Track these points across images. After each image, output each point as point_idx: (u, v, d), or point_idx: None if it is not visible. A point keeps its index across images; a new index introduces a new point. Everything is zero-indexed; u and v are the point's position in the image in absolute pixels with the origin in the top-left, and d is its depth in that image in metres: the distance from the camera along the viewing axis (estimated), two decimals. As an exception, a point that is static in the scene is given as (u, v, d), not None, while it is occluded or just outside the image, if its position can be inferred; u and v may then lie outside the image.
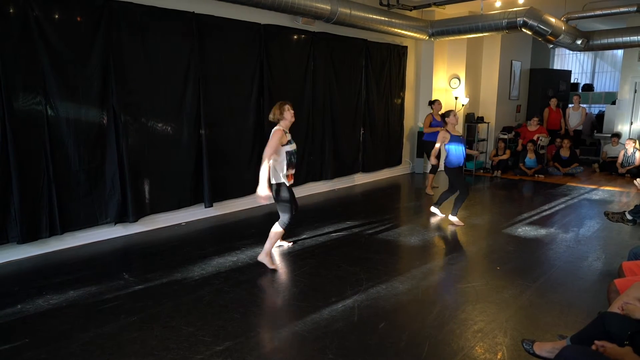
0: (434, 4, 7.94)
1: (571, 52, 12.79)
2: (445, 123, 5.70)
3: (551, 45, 8.72)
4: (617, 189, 7.97)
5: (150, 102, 5.20)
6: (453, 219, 5.70)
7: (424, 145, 8.07)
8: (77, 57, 4.60)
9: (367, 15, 6.91)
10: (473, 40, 9.44)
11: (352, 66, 7.86)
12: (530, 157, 9.21)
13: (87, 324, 3.21)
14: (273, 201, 4.16)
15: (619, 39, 7.94)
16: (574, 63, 14.00)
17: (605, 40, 8.04)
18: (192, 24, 5.45)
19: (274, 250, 4.72)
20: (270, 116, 4.17)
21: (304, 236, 5.17)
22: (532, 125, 9.90)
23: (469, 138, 9.54)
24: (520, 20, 7.08)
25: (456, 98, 9.40)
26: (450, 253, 4.85)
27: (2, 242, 4.34)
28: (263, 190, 3.98)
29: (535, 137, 9.54)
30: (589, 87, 13.36)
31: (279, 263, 4.43)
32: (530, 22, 7.04)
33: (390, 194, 7.98)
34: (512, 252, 4.75)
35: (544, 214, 6.26)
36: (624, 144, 9.20)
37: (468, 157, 8.27)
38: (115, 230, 5.15)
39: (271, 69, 6.43)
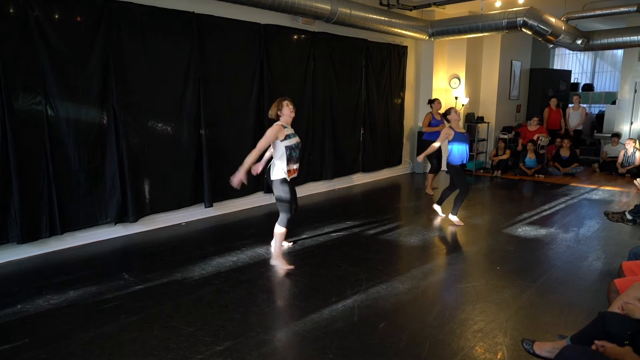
0: (434, 4, 7.94)
1: (571, 52, 12.80)
2: (448, 121, 5.66)
3: (551, 45, 8.72)
4: (617, 188, 7.97)
5: (150, 102, 5.20)
6: (453, 218, 5.69)
7: (424, 145, 8.03)
8: (77, 57, 4.60)
9: (367, 15, 6.91)
10: (473, 40, 9.44)
11: (352, 66, 7.86)
12: (530, 157, 9.21)
13: (87, 324, 3.21)
14: (238, 186, 4.01)
15: (619, 39, 7.94)
16: (574, 63, 14.00)
17: (605, 40, 8.04)
18: (192, 24, 5.45)
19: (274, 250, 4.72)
20: (270, 113, 4.18)
21: (304, 236, 5.17)
22: (532, 125, 9.90)
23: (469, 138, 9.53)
24: (520, 20, 7.08)
25: (456, 98, 9.40)
26: (450, 253, 4.85)
27: (2, 242, 4.34)
28: (238, 174, 3.92)
29: (535, 137, 9.54)
30: (589, 87, 13.35)
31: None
32: (530, 22, 7.04)
33: (390, 194, 7.98)
34: (512, 252, 4.75)
35: (544, 214, 6.26)
36: (624, 144, 9.20)
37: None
38: (115, 230, 5.15)
39: (271, 69, 6.43)
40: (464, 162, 5.58)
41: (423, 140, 7.78)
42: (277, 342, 3.04)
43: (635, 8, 7.10)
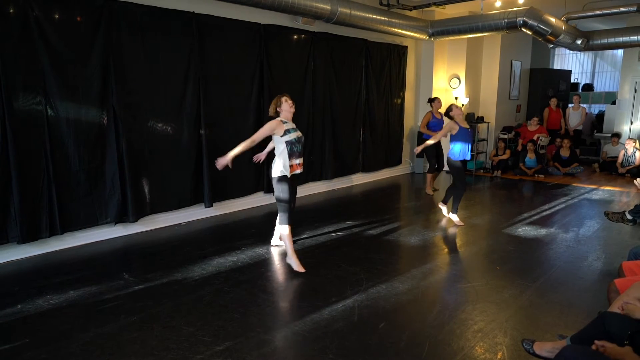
0: (434, 4, 7.94)
1: (571, 52, 12.80)
2: (451, 118, 5.57)
3: (551, 45, 8.71)
4: (617, 188, 7.97)
5: (150, 102, 5.20)
6: (454, 218, 5.69)
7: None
8: (77, 57, 4.60)
9: (367, 15, 6.91)
10: (473, 40, 9.44)
11: (352, 66, 7.86)
12: (530, 157, 9.21)
13: (87, 324, 3.21)
14: (221, 168, 4.06)
15: (619, 39, 7.94)
16: (574, 63, 14.00)
17: (605, 40, 8.04)
18: (192, 24, 5.45)
19: (274, 249, 4.73)
20: (270, 111, 4.19)
21: (304, 236, 5.17)
22: (532, 125, 9.90)
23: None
24: (520, 20, 7.08)
25: (456, 98, 9.40)
26: (450, 253, 4.85)
27: (2, 242, 4.34)
28: (224, 159, 3.96)
29: (535, 137, 9.54)
30: (589, 87, 13.35)
31: (278, 263, 4.43)
32: (530, 22, 7.04)
33: (390, 194, 7.98)
34: (512, 252, 4.75)
35: (544, 214, 6.26)
36: (624, 144, 9.20)
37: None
38: (115, 230, 5.15)
39: (271, 69, 6.43)
40: (466, 158, 5.50)
41: (423, 140, 7.75)
42: (277, 342, 3.04)
43: (635, 8, 7.10)
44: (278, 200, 4.16)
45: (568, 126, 10.23)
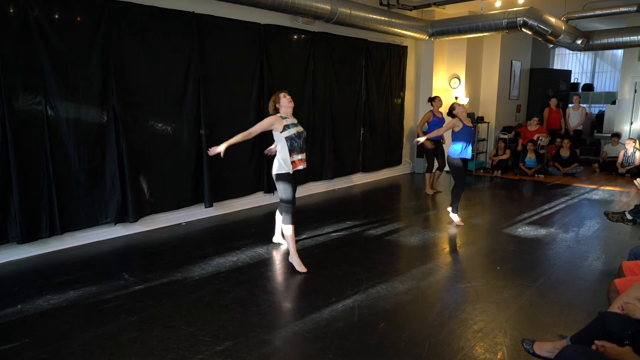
0: (434, 4, 7.94)
1: (571, 52, 12.80)
2: (454, 117, 5.55)
3: (551, 45, 8.72)
4: (617, 188, 7.97)
5: (150, 102, 5.20)
6: (454, 217, 5.68)
7: (424, 145, 8.04)
8: (77, 57, 4.60)
9: (367, 15, 6.90)
10: (473, 40, 9.44)
11: (352, 66, 7.86)
12: (530, 157, 9.21)
13: (87, 324, 3.21)
14: (212, 154, 4.07)
15: (619, 39, 7.94)
16: (574, 63, 14.00)
17: (605, 40, 8.04)
18: (192, 24, 5.45)
19: (275, 250, 4.73)
20: (269, 108, 4.20)
21: (304, 236, 5.17)
22: (532, 125, 9.90)
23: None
24: (520, 20, 7.08)
25: (456, 98, 9.39)
26: (450, 253, 4.85)
27: (2, 242, 4.34)
28: (217, 147, 3.96)
29: (535, 137, 9.54)
30: (589, 87, 13.35)
31: (278, 263, 4.43)
32: (530, 22, 7.04)
33: (390, 194, 7.98)
34: (512, 252, 4.75)
35: (544, 214, 6.26)
36: (624, 144, 9.20)
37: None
38: (115, 230, 5.15)
39: (271, 69, 6.43)
40: (466, 156, 5.45)
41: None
42: (277, 342, 3.04)
43: (635, 8, 7.10)
44: (282, 200, 4.16)
45: (568, 126, 10.23)
